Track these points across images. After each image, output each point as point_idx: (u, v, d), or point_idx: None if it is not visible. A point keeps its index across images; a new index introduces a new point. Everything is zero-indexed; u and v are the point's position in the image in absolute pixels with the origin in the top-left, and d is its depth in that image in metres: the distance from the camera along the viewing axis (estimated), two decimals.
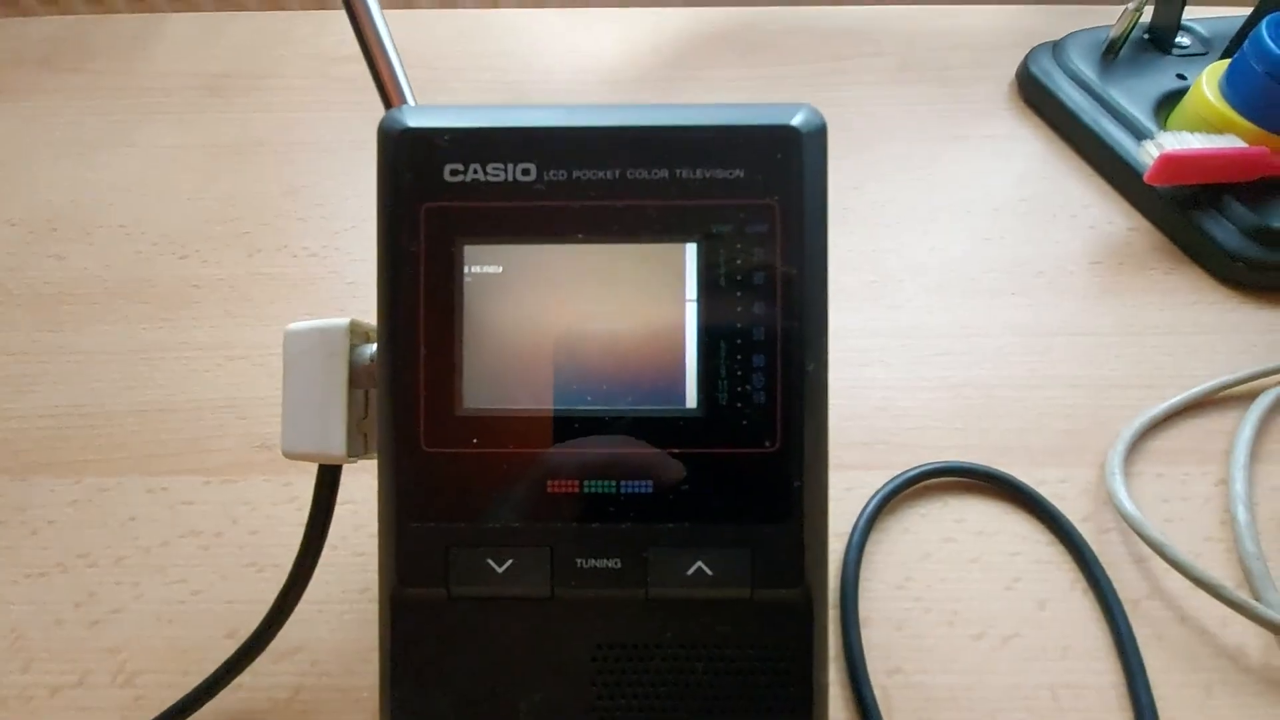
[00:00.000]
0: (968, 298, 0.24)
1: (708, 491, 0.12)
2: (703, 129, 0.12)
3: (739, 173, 0.12)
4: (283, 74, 0.32)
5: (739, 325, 0.12)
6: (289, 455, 0.14)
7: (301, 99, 0.31)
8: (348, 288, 0.24)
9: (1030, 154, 0.28)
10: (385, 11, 0.20)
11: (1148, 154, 0.24)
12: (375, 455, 0.15)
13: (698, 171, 0.12)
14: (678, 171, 0.12)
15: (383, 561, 0.13)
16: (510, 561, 0.12)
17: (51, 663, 0.17)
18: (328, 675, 0.17)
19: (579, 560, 0.12)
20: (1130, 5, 0.28)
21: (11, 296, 0.24)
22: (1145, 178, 0.24)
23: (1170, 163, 0.23)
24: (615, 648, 0.13)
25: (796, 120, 0.12)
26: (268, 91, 0.31)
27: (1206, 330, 0.23)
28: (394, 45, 0.16)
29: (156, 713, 0.16)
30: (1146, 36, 0.30)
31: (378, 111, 0.29)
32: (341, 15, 0.34)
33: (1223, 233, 0.24)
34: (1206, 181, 0.24)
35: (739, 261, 0.12)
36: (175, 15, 0.35)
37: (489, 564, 0.12)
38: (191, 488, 0.20)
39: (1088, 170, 0.27)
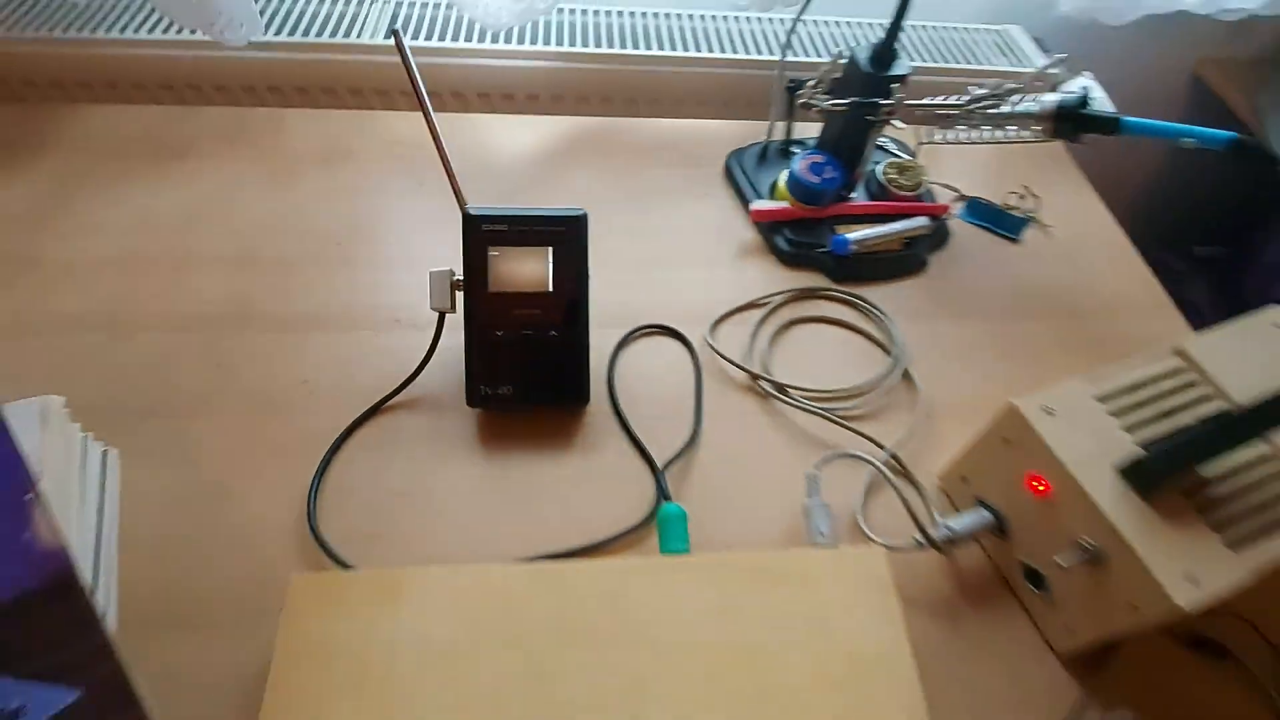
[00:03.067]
0: (672, 270, 0.57)
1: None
2: (553, 215, 0.45)
3: (567, 227, 0.45)
4: (367, 152, 0.62)
5: (570, 285, 0.45)
6: (435, 309, 0.46)
7: (379, 167, 0.61)
8: (415, 250, 0.55)
9: (724, 208, 0.62)
10: (391, 112, 0.52)
11: (755, 208, 0.58)
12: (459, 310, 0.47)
13: (549, 226, 0.45)
14: (543, 229, 0.45)
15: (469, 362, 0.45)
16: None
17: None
18: (445, 393, 0.49)
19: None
20: (767, 137, 0.63)
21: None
22: (751, 217, 0.58)
23: (756, 212, 0.58)
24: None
25: (579, 213, 0.45)
26: (358, 163, 0.61)
27: (761, 282, 0.57)
28: (454, 168, 0.47)
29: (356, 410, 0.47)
30: (781, 147, 0.65)
31: (432, 180, 0.60)
32: (403, 115, 0.65)
33: (781, 242, 0.58)
34: (776, 220, 0.59)
35: (562, 262, 0.45)
36: (294, 110, 0.64)
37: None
38: (364, 338, 0.51)
39: (743, 214, 0.61)
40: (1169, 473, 0.34)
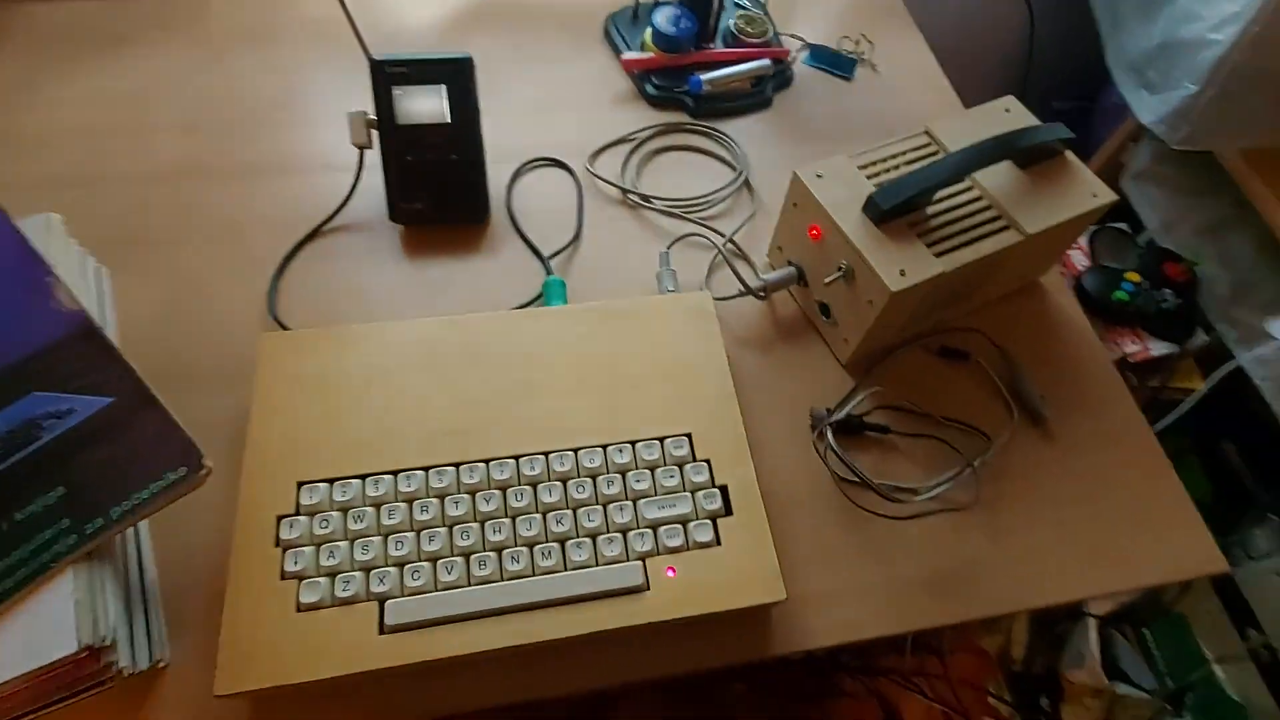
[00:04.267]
0: (559, 114, 0.68)
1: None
2: (444, 57, 0.55)
3: (456, 67, 0.55)
4: (286, 30, 0.70)
5: (464, 116, 0.56)
6: (355, 144, 0.56)
7: (298, 42, 0.70)
8: (336, 108, 0.65)
9: (603, 63, 0.72)
10: None
11: (625, 58, 0.69)
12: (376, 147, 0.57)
13: (442, 67, 0.55)
14: (437, 69, 0.55)
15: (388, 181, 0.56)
16: None
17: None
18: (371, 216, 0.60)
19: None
20: (634, 1, 0.73)
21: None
22: (623, 67, 0.69)
23: (627, 62, 0.68)
24: None
25: (464, 55, 0.56)
26: (279, 40, 0.70)
27: (634, 121, 0.68)
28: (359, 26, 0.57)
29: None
30: (649, 8, 0.74)
31: (346, 51, 0.69)
32: None
33: (650, 87, 0.69)
34: (645, 69, 0.69)
35: (455, 97, 0.56)
36: None
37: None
38: (300, 180, 0.61)
39: (620, 68, 0.72)
40: (891, 203, 0.47)
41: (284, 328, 0.54)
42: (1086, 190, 0.52)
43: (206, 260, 0.57)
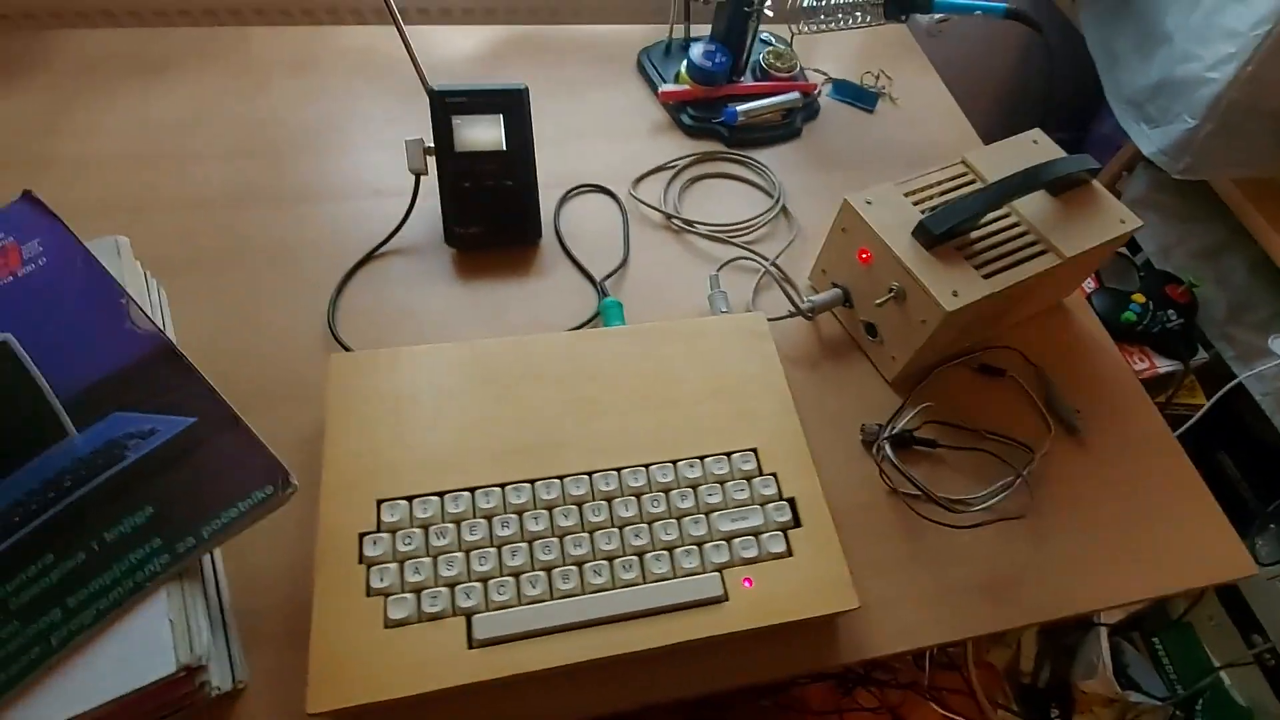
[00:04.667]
0: (599, 144, 0.70)
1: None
2: (501, 88, 0.57)
3: (512, 98, 0.57)
4: (329, 61, 0.72)
5: (519, 143, 0.58)
6: (412, 171, 0.58)
7: (341, 73, 0.71)
8: (380, 135, 0.67)
9: (637, 95, 0.75)
10: (370, 26, 0.62)
11: (662, 90, 0.72)
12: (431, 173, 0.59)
13: (499, 97, 0.57)
14: (494, 99, 0.57)
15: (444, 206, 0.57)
16: None
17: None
18: (425, 242, 0.61)
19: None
20: (669, 36, 0.76)
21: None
22: (659, 98, 0.72)
23: (664, 94, 0.71)
24: None
25: (521, 86, 0.58)
26: (323, 71, 0.71)
27: (671, 150, 0.71)
28: (417, 57, 0.58)
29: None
30: (682, 44, 0.78)
31: (388, 81, 0.71)
32: (352, 28, 0.75)
33: (685, 118, 0.72)
34: (680, 100, 0.72)
35: (511, 126, 0.57)
36: (257, 28, 0.73)
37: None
38: (352, 206, 0.63)
39: (654, 100, 0.75)
40: (941, 228, 0.50)
41: (346, 349, 0.54)
42: (1114, 216, 0.55)
43: (260, 284, 0.57)
